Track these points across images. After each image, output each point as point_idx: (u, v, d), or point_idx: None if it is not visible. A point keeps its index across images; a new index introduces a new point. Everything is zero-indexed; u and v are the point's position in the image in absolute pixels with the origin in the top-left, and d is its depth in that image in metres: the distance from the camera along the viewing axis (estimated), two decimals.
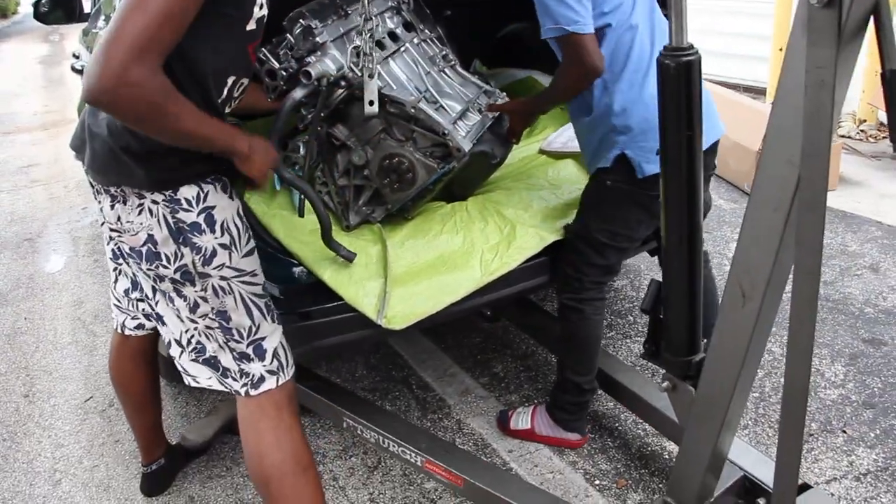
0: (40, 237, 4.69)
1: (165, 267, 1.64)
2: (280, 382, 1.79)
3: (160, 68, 1.35)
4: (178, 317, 1.74)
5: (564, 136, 2.61)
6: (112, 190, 1.64)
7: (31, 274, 4.16)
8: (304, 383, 2.38)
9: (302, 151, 2.18)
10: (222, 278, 1.67)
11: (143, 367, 2.21)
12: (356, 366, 2.98)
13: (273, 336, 1.78)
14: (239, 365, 1.75)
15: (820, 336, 2.90)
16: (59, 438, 2.72)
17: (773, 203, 1.35)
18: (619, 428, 2.48)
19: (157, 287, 1.73)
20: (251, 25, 1.57)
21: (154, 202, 1.59)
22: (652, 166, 1.98)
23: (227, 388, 1.79)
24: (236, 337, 1.73)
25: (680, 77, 1.45)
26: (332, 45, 2.05)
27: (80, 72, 4.02)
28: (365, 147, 2.15)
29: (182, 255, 1.63)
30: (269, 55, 2.06)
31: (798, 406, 1.29)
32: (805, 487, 1.89)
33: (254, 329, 1.74)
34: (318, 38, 2.03)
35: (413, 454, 2.10)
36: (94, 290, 3.87)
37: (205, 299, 1.68)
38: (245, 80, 1.68)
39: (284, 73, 2.05)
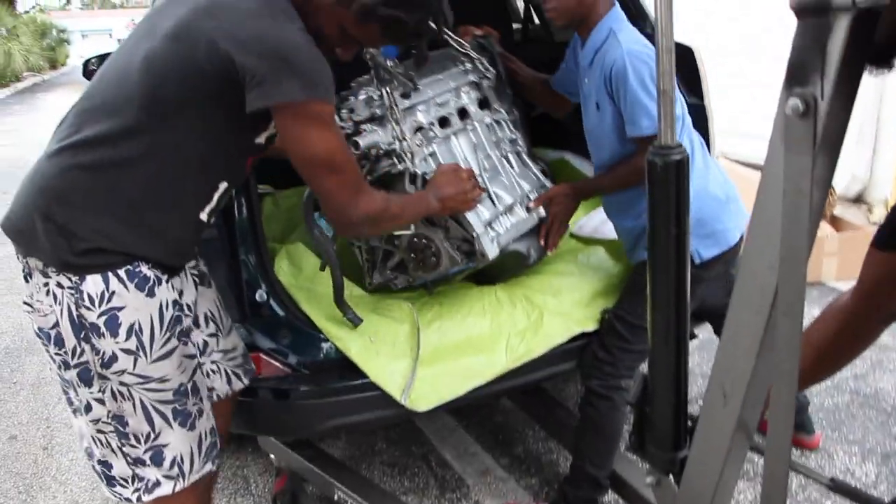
0: None
1: (71, 357, 1.53)
2: (177, 489, 1.64)
3: (370, 188, 1.63)
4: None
5: (595, 220, 2.61)
6: (20, 258, 1.54)
7: None
8: (299, 452, 2.38)
9: None
10: (122, 384, 1.54)
11: None
12: (376, 438, 2.96)
13: (178, 442, 1.62)
14: (133, 469, 1.61)
15: (850, 433, 2.84)
16: (74, 495, 2.71)
17: (753, 306, 1.35)
18: None
19: (63, 375, 1.58)
20: (260, 139, 1.58)
21: (59, 286, 1.48)
22: (710, 250, 2.06)
23: (114, 496, 1.64)
24: (132, 441, 1.59)
25: (668, 175, 1.48)
26: (395, 117, 2.05)
27: None
28: None
29: (83, 352, 1.51)
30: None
31: None
32: None
33: (152, 436, 1.59)
34: (377, 110, 2.03)
35: None
36: None
37: (101, 402, 1.56)
38: (233, 191, 1.68)
39: (343, 130, 2.04)
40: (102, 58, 4.01)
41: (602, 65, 2.04)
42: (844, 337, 1.66)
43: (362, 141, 1.99)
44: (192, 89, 1.44)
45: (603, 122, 2.09)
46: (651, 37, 2.41)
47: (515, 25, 3.84)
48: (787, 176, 1.18)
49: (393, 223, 1.73)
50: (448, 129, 2.19)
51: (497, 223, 2.15)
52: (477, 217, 2.07)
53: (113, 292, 1.48)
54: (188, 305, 1.71)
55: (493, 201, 2.17)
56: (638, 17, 2.52)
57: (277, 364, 2.03)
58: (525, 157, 2.39)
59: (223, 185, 1.61)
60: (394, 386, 1.98)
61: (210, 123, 1.49)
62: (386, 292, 2.27)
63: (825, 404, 3.02)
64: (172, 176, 1.51)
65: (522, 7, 3.80)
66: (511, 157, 2.35)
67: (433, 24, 1.64)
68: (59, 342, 1.53)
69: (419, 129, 2.11)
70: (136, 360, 1.53)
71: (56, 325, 1.51)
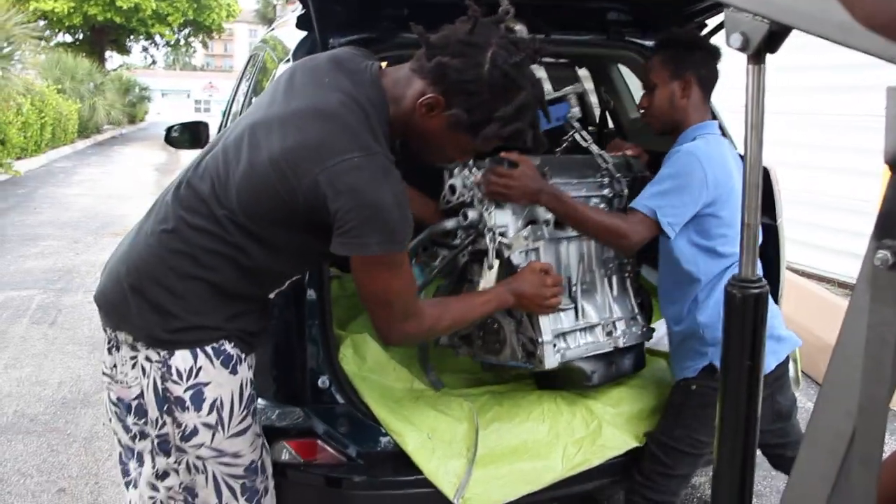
0: None
1: (152, 427, 1.60)
2: None
3: (419, 309, 1.66)
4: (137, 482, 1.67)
5: (660, 331, 2.59)
6: (108, 332, 1.62)
7: None
8: None
9: (436, 262, 2.21)
10: (198, 457, 1.61)
11: None
12: None
13: None
14: None
15: None
16: None
17: (827, 449, 1.32)
18: None
19: (133, 446, 1.66)
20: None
21: (147, 359, 1.56)
22: None
23: None
24: None
25: (746, 308, 1.47)
26: (513, 205, 2.11)
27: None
28: None
29: (164, 424, 1.58)
30: (459, 173, 2.11)
31: None
32: None
33: None
34: None
35: None
36: None
37: (176, 472, 1.63)
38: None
39: (462, 196, 2.11)
40: (184, 126, 4.19)
41: None
42: None
43: (471, 214, 2.07)
44: (284, 213, 1.52)
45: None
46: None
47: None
48: (870, 325, 1.17)
49: (447, 332, 1.80)
50: (561, 233, 2.21)
51: (572, 337, 2.16)
52: (549, 323, 2.08)
53: (200, 368, 1.56)
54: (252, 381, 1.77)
55: (577, 314, 2.19)
56: None
57: (333, 451, 2.04)
58: (628, 284, 2.37)
59: (296, 277, 1.75)
60: (448, 485, 1.97)
61: (295, 238, 1.59)
62: (447, 388, 2.28)
63: None
64: (255, 271, 1.60)
65: (598, 112, 3.87)
66: (615, 279, 2.33)
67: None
68: (141, 412, 1.60)
69: (532, 222, 2.15)
70: (214, 435, 1.60)
71: (140, 396, 1.59)
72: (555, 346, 2.09)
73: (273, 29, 3.84)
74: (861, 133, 5.42)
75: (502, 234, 2.07)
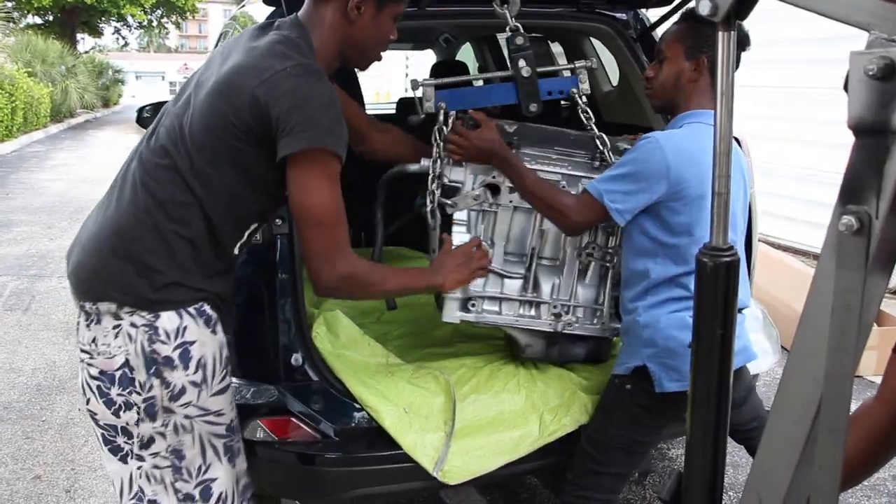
0: None
1: (138, 394, 1.61)
2: None
3: (352, 253, 1.67)
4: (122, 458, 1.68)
5: None
6: (87, 306, 1.62)
7: None
8: None
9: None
10: (186, 416, 1.64)
11: None
12: None
13: (225, 478, 1.72)
14: None
15: None
16: None
17: (794, 417, 1.33)
18: None
19: (116, 421, 1.64)
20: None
21: (133, 325, 1.58)
22: (673, 384, 1.90)
23: None
24: (185, 476, 1.67)
25: (717, 276, 1.47)
26: (472, 164, 2.10)
27: None
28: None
29: (151, 387, 1.60)
30: (445, 124, 2.08)
31: None
32: None
33: (203, 468, 1.69)
34: None
35: None
36: None
37: (163, 435, 1.64)
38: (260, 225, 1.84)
39: (434, 143, 2.09)
40: (156, 106, 4.12)
41: None
42: (871, 446, 1.62)
43: (424, 161, 2.12)
44: (237, 141, 1.58)
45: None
46: None
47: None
48: (836, 291, 1.17)
49: (373, 289, 1.81)
50: (527, 203, 2.12)
51: (508, 304, 2.18)
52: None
53: (185, 327, 1.61)
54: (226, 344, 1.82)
55: (526, 285, 2.18)
56: None
57: (307, 429, 2.04)
58: (610, 275, 2.23)
59: (254, 226, 1.77)
60: (426, 459, 1.98)
61: (252, 171, 1.63)
62: (422, 362, 2.28)
63: None
64: (217, 219, 1.64)
65: None
66: (593, 265, 2.23)
67: None
68: (126, 381, 1.60)
69: (493, 186, 2.13)
70: (199, 393, 1.65)
71: (124, 364, 1.60)
72: (473, 305, 2.13)
73: (243, 6, 3.79)
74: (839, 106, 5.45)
75: (447, 194, 2.11)
